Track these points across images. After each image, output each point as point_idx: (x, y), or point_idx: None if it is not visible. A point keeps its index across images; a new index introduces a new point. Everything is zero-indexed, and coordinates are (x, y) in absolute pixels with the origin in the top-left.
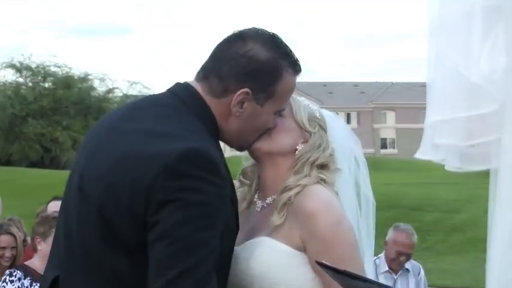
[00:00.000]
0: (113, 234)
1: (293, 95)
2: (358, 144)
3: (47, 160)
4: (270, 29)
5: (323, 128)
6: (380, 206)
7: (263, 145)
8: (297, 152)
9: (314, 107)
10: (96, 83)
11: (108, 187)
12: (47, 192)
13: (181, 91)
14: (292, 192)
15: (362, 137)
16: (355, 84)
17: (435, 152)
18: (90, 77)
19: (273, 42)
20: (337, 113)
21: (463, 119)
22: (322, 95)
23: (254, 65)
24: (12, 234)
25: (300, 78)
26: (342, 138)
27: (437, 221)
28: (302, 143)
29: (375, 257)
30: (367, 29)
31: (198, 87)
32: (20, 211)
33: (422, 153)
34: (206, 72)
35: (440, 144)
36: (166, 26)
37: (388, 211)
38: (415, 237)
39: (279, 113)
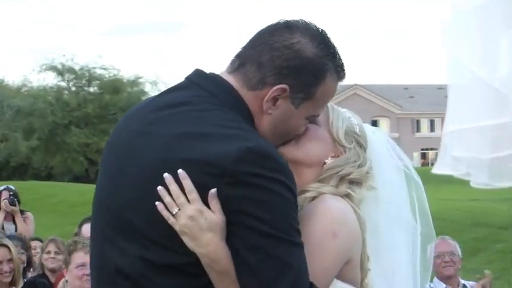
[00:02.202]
0: (160, 255)
1: (334, 104)
2: (406, 159)
3: (92, 174)
4: None
5: (361, 145)
6: (465, 225)
7: (289, 151)
8: (324, 166)
9: (356, 120)
10: (147, 87)
11: (145, 201)
12: (91, 210)
13: (208, 83)
14: (306, 195)
15: None
16: (440, 87)
17: (456, 166)
18: (140, 80)
19: (322, 39)
20: (419, 120)
21: (487, 128)
22: (402, 99)
23: (298, 60)
24: (6, 246)
25: (378, 81)
26: (387, 156)
27: None
28: (332, 157)
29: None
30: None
31: (231, 79)
32: (61, 231)
33: (441, 167)
34: (242, 59)
35: (462, 157)
36: (225, 21)
37: (475, 231)
38: (452, 241)
39: (311, 119)
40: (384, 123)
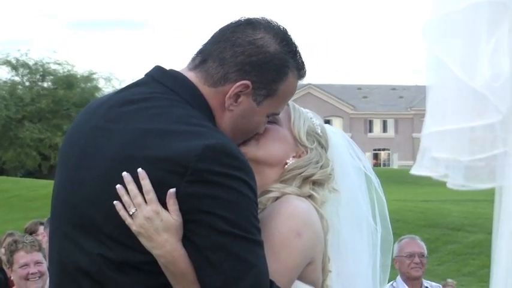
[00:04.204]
0: (118, 252)
1: (296, 104)
2: (365, 160)
3: (45, 169)
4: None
5: (322, 145)
6: (418, 226)
7: (250, 150)
8: (287, 166)
9: (317, 121)
10: (101, 83)
11: (105, 199)
12: (44, 205)
13: (169, 80)
14: (270, 195)
15: (400, 147)
16: (393, 88)
17: (435, 167)
18: (94, 76)
19: (284, 36)
20: (372, 120)
21: (467, 129)
22: (356, 99)
23: (261, 56)
24: None
25: (332, 80)
26: (348, 157)
27: (482, 243)
28: (293, 157)
29: (389, 283)
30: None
31: (192, 76)
32: (15, 225)
33: (420, 169)
34: (204, 56)
35: (440, 158)
36: (183, 19)
37: (427, 232)
38: (421, 241)
39: (272, 117)
40: (336, 122)
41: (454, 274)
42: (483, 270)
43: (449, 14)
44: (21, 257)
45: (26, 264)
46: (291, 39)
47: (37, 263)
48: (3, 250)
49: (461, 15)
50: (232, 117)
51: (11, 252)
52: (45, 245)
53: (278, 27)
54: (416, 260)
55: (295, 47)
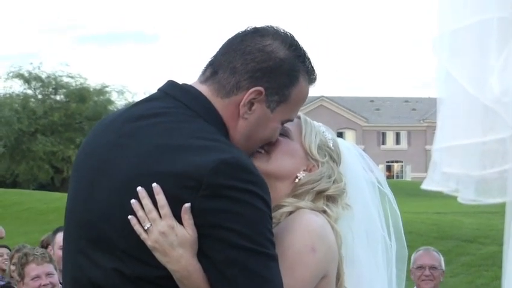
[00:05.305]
0: (133, 267)
1: (308, 118)
2: (379, 174)
3: (57, 182)
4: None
5: (334, 159)
6: (430, 238)
7: (259, 164)
8: (297, 180)
9: (329, 135)
10: (114, 96)
11: (119, 214)
12: (56, 218)
13: (181, 94)
14: (283, 210)
15: (413, 159)
16: (406, 100)
17: (446, 182)
18: (107, 89)
19: (292, 42)
20: (385, 132)
21: (477, 144)
22: (369, 111)
23: (272, 62)
24: None
25: (344, 93)
26: (361, 171)
27: (495, 255)
28: (304, 171)
29: None
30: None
31: (204, 89)
32: (27, 239)
33: (431, 184)
34: (214, 67)
35: (451, 173)
36: (194, 33)
37: (440, 244)
38: (436, 253)
39: (283, 130)
40: (349, 135)
41: (468, 286)
42: (496, 281)
43: (459, 30)
44: (33, 269)
45: (38, 276)
46: (299, 45)
47: (48, 274)
48: (13, 267)
49: (471, 31)
50: (248, 126)
51: (22, 265)
52: (55, 256)
53: (285, 33)
54: (427, 272)
55: (304, 52)
